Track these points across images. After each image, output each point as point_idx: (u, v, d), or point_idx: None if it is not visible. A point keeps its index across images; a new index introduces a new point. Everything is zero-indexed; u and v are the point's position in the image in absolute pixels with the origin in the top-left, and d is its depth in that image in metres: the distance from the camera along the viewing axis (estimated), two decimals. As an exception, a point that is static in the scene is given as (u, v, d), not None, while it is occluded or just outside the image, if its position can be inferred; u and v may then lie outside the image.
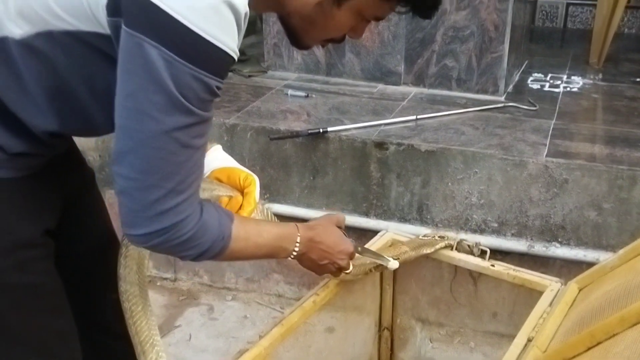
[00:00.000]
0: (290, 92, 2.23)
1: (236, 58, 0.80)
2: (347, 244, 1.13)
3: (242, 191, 1.09)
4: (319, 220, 1.13)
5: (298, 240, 1.03)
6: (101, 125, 0.90)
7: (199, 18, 0.74)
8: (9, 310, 0.92)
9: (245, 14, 0.79)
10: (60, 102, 0.86)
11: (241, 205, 1.06)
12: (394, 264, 1.29)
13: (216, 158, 1.11)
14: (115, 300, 1.04)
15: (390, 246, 1.46)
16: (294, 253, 1.03)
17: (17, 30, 0.80)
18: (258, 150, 1.98)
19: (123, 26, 0.75)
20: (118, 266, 1.03)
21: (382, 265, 1.29)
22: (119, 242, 1.07)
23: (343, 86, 2.33)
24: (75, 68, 0.83)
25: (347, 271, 1.16)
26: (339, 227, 1.14)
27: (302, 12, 0.88)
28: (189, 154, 0.81)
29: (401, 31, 2.22)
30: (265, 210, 1.17)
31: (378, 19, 0.95)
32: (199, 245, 0.87)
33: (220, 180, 1.10)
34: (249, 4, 0.80)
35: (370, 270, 1.33)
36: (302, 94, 2.22)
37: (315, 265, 1.09)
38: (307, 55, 2.40)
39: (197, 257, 0.89)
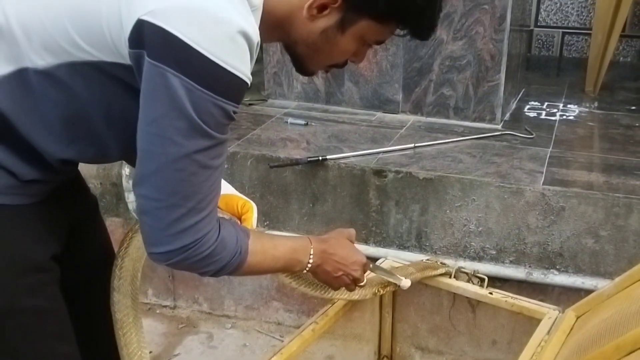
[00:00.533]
0: (290, 120, 2.26)
1: (249, 83, 0.84)
2: (360, 255, 1.15)
3: (239, 218, 1.11)
4: (331, 233, 1.16)
5: (312, 252, 1.06)
6: (113, 152, 0.95)
7: (217, 48, 0.79)
8: (18, 334, 0.94)
9: (258, 42, 0.84)
10: (76, 130, 0.89)
11: None
12: (406, 283, 1.31)
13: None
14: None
15: (396, 268, 1.48)
16: (309, 265, 1.06)
17: (40, 61, 0.84)
18: (258, 177, 2.00)
19: (146, 57, 0.79)
20: (112, 277, 1.05)
21: (392, 284, 1.30)
22: (107, 264, 1.11)
23: (342, 114, 2.36)
24: (94, 96, 0.87)
25: (362, 283, 1.17)
26: (350, 241, 1.17)
27: (307, 40, 0.93)
28: (208, 174, 0.85)
29: (399, 60, 2.26)
30: None
31: (379, 42, 0.99)
32: (218, 261, 0.90)
33: (218, 207, 1.12)
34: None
35: (380, 290, 1.34)
36: (302, 122, 2.25)
37: (331, 277, 1.11)
38: (307, 84, 2.44)
39: (217, 273, 0.92)
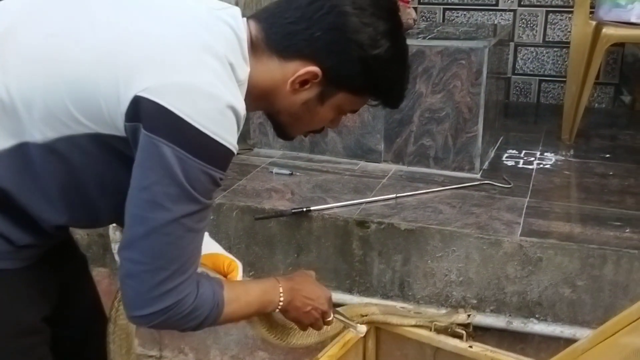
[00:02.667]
0: (275, 170, 2.31)
1: (236, 153, 0.90)
2: (325, 290, 1.20)
3: (225, 276, 1.15)
4: (294, 273, 1.21)
5: (281, 290, 1.10)
6: (105, 218, 1.00)
7: (208, 121, 0.85)
8: None
9: (244, 115, 0.91)
10: (71, 198, 0.94)
11: None
12: (362, 329, 1.34)
13: (204, 243, 1.19)
14: None
15: (364, 306, 1.53)
16: (281, 303, 1.10)
17: (39, 135, 0.89)
18: (243, 228, 2.04)
19: (142, 130, 0.84)
20: (107, 341, 1.09)
21: (350, 328, 1.33)
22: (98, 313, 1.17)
23: (326, 163, 2.41)
24: (89, 166, 0.92)
25: (330, 318, 1.22)
26: None
27: (290, 110, 1.00)
28: (192, 237, 0.90)
29: (380, 112, 2.33)
30: None
31: (354, 111, 1.07)
32: (198, 317, 0.95)
33: (205, 266, 1.16)
34: None
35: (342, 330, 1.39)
36: (287, 171, 2.30)
37: (301, 313, 1.15)
38: (292, 134, 2.50)
39: (197, 327, 0.97)
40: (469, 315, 1.43)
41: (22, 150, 0.89)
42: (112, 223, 1.09)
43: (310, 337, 1.33)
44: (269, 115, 1.05)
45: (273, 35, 0.96)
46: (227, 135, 0.88)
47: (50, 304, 1.05)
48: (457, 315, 1.43)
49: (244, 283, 1.12)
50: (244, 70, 0.94)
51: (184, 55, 0.87)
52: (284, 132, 1.07)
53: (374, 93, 1.02)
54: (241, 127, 0.92)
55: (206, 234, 1.21)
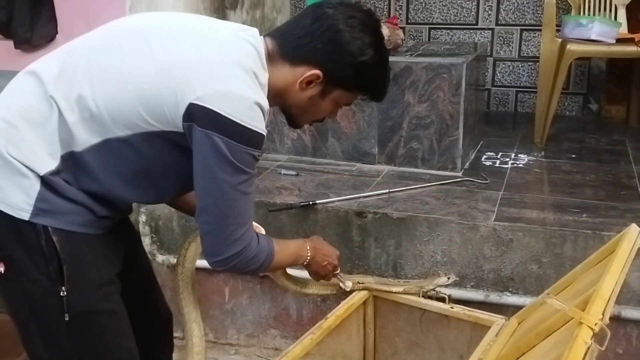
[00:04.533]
0: (283, 171, 2.63)
1: (265, 135, 1.21)
2: (335, 250, 1.60)
3: None
4: (312, 237, 1.58)
5: (308, 248, 1.49)
6: (167, 195, 1.33)
7: (242, 115, 1.15)
8: (97, 331, 1.27)
9: (267, 109, 1.22)
10: (142, 180, 1.25)
11: None
12: (348, 284, 1.75)
13: None
14: (162, 324, 1.52)
15: (362, 277, 1.92)
16: (308, 258, 1.49)
17: (121, 133, 1.19)
18: (258, 219, 2.32)
19: (196, 127, 1.15)
20: (177, 279, 1.50)
21: (339, 285, 1.74)
22: (157, 282, 1.55)
23: (327, 165, 2.74)
24: (155, 155, 1.22)
25: (337, 271, 1.64)
26: None
27: (299, 104, 1.32)
28: (246, 198, 1.22)
29: (374, 120, 2.66)
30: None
31: (348, 104, 1.40)
32: (258, 261, 1.27)
33: None
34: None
35: (331, 288, 1.79)
36: (293, 172, 2.62)
37: (320, 266, 1.54)
38: (296, 140, 2.83)
39: (257, 270, 1.30)
40: (448, 278, 1.75)
41: (106, 144, 1.20)
42: (173, 198, 1.41)
43: (319, 288, 1.73)
44: (282, 110, 1.36)
45: (285, 48, 1.26)
46: (257, 123, 1.16)
47: (120, 263, 1.36)
48: (439, 278, 1.75)
49: (284, 240, 1.46)
50: (264, 76, 1.23)
51: (221, 70, 1.18)
52: (295, 122, 1.38)
53: (363, 90, 1.32)
54: (266, 118, 1.20)
55: None
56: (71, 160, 1.19)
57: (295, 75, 1.26)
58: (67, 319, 1.22)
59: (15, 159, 1.16)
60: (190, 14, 1.44)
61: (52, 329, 1.24)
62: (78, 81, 1.18)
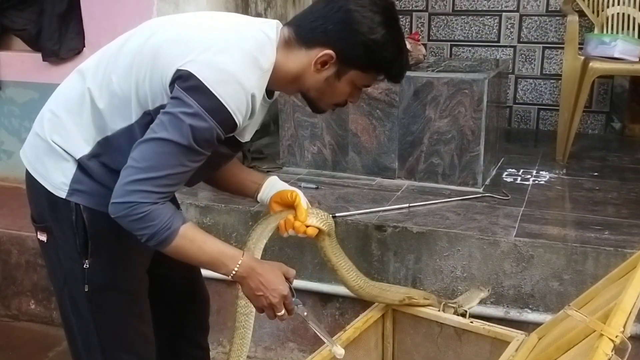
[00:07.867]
0: (303, 184, 2.65)
1: (234, 115, 1.19)
2: (284, 287, 1.28)
3: (292, 203, 1.47)
4: (270, 261, 1.34)
5: (239, 263, 1.24)
6: (194, 178, 1.31)
7: (218, 86, 1.16)
8: (111, 308, 1.34)
9: (252, 94, 1.21)
10: None
11: (295, 216, 1.45)
12: (338, 351, 1.39)
13: (273, 186, 1.52)
14: (198, 312, 1.55)
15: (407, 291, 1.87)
16: (233, 272, 1.25)
17: (135, 117, 1.26)
18: (277, 232, 2.36)
19: (176, 86, 1.17)
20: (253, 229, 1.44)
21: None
22: (194, 268, 1.56)
23: (347, 179, 2.75)
24: None
25: (280, 314, 1.30)
26: (287, 278, 1.32)
27: (316, 86, 1.33)
28: (176, 164, 1.17)
29: (395, 135, 2.68)
30: (318, 213, 1.51)
31: (366, 86, 1.38)
32: (150, 227, 1.16)
33: (277, 203, 1.50)
34: (272, 87, 1.28)
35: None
36: (313, 186, 2.64)
37: (252, 294, 1.28)
38: (316, 154, 2.85)
39: (149, 240, 1.18)
40: (488, 290, 1.78)
41: (131, 128, 1.26)
42: (200, 180, 1.45)
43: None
44: (302, 94, 1.37)
45: (300, 32, 1.28)
46: (232, 101, 1.17)
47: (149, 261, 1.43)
48: (480, 292, 1.75)
49: (209, 236, 1.27)
50: (269, 61, 1.25)
51: (217, 46, 1.19)
52: (316, 106, 1.37)
53: (377, 69, 1.31)
54: (249, 99, 1.21)
55: (276, 178, 1.54)
56: (106, 145, 1.29)
57: (310, 57, 1.28)
58: (86, 289, 1.33)
59: (58, 145, 1.30)
60: (222, 12, 1.48)
61: (77, 298, 1.36)
62: (109, 70, 1.27)
